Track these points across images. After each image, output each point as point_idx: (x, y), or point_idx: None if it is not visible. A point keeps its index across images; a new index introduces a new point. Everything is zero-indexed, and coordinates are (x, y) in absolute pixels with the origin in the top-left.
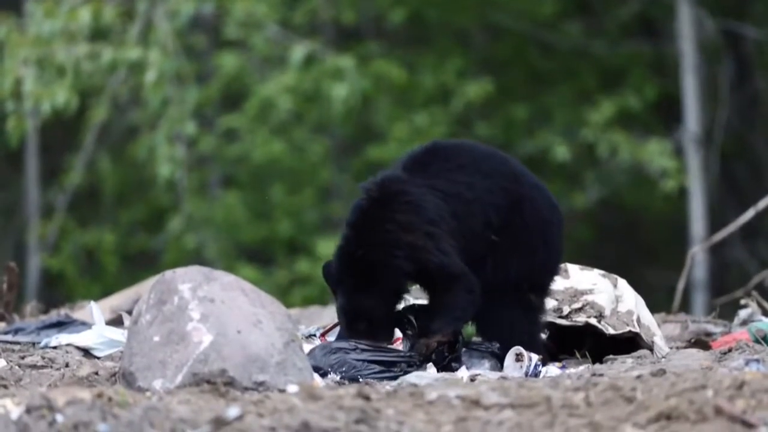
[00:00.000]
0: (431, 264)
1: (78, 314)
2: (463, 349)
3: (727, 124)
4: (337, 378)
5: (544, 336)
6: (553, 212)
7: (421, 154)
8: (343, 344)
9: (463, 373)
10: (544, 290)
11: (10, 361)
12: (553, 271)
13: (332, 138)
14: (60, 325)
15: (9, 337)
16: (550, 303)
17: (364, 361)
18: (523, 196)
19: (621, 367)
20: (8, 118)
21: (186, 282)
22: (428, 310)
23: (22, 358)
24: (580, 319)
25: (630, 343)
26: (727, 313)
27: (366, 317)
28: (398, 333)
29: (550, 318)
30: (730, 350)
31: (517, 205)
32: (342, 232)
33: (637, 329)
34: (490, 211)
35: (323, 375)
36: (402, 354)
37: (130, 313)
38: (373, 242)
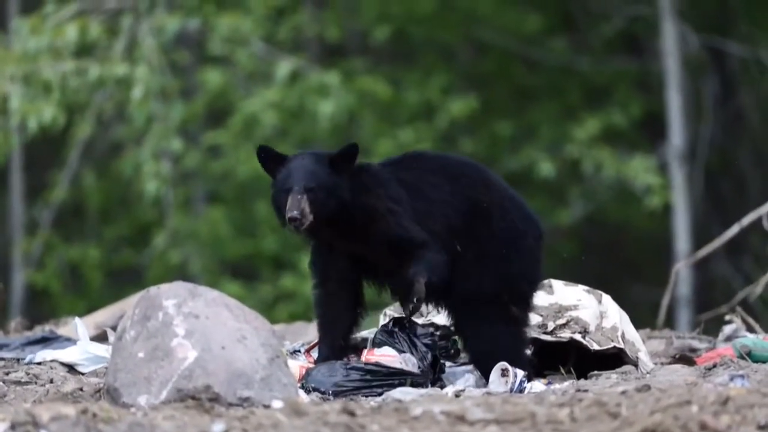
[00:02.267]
0: (392, 236)
1: (62, 330)
2: (447, 365)
3: (712, 140)
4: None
5: (528, 351)
6: (528, 224)
7: (401, 156)
8: (350, 363)
9: (448, 388)
10: (525, 302)
11: None
12: (533, 282)
13: None
14: (45, 341)
15: None
16: (534, 318)
17: (374, 375)
18: (491, 204)
19: (606, 383)
20: None
21: (170, 298)
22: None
23: (7, 374)
24: (565, 334)
25: (615, 358)
26: (712, 328)
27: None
28: (388, 350)
29: (534, 334)
30: (714, 366)
31: (483, 212)
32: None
33: (621, 345)
34: (450, 213)
35: (335, 394)
36: (409, 371)
37: (114, 329)
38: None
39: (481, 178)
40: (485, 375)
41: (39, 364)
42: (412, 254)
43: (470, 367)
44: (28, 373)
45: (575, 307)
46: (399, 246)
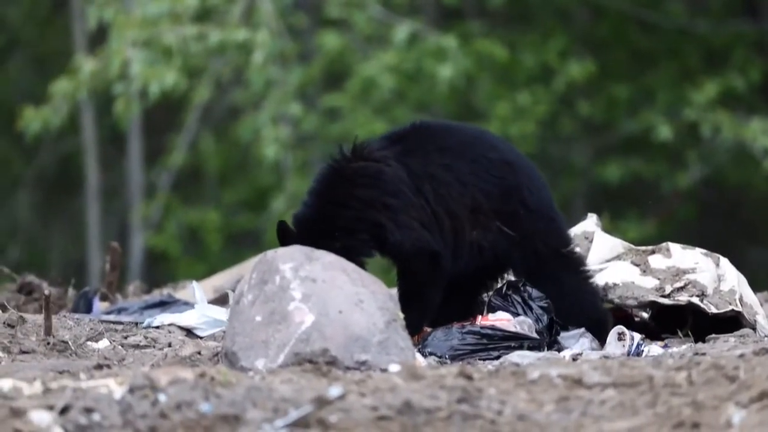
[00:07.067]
0: (389, 242)
1: (180, 294)
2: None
3: None
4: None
5: (646, 315)
6: (540, 178)
7: (405, 130)
8: (466, 327)
9: (565, 351)
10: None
11: (114, 340)
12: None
13: (434, 117)
14: (163, 305)
15: (112, 317)
16: (652, 282)
17: (493, 339)
18: (520, 186)
19: (723, 346)
20: (116, 100)
21: (287, 262)
22: (402, 301)
23: (125, 337)
24: (683, 298)
25: (732, 322)
26: None
27: None
28: (502, 314)
29: (652, 297)
30: None
31: (515, 193)
32: (304, 199)
33: (739, 308)
34: (478, 195)
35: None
36: (524, 334)
37: (233, 292)
38: (336, 220)
39: (501, 158)
40: (600, 337)
41: (157, 327)
42: (408, 270)
43: (582, 329)
44: (146, 337)
45: (693, 271)
46: (393, 253)
